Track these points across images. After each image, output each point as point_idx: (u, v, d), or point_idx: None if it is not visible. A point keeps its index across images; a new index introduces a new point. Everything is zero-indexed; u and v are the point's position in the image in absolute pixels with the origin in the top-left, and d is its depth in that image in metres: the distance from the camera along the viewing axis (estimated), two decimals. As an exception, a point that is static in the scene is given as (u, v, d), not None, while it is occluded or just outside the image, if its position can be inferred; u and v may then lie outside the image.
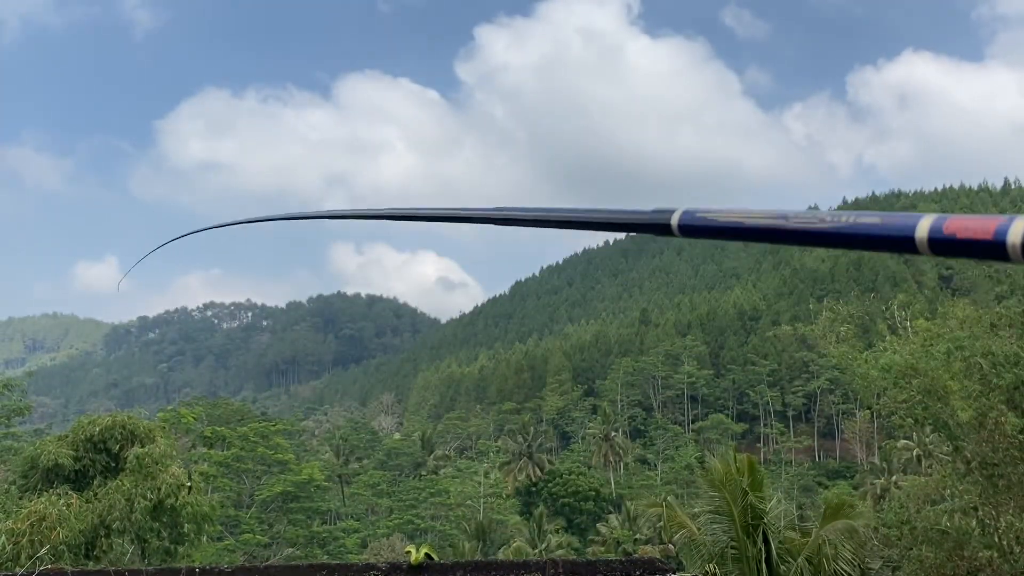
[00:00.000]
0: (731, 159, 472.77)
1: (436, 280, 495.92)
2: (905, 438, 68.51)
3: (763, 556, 21.39)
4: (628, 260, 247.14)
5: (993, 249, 0.66)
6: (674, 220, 0.85)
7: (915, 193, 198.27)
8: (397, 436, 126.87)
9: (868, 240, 0.76)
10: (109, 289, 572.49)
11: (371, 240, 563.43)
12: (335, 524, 63.24)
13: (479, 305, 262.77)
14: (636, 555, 53.61)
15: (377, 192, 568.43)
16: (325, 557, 46.04)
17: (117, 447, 27.11)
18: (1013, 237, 0.63)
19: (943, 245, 0.72)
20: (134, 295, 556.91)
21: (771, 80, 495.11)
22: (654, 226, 0.90)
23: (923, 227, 0.71)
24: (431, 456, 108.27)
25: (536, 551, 58.69)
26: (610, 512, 78.79)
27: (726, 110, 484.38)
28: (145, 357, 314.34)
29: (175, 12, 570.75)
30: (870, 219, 0.71)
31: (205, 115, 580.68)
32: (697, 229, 0.85)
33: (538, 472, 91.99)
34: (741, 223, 0.86)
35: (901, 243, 0.72)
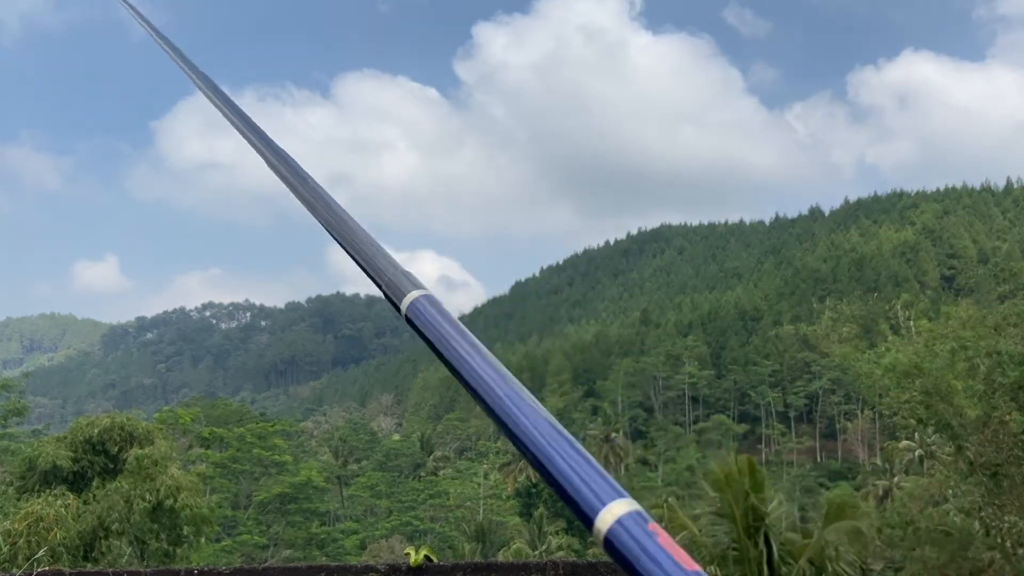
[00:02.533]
0: (735, 157, 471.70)
1: (437, 279, 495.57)
2: (907, 439, 68.36)
3: (765, 558, 21.25)
4: (629, 260, 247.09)
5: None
6: (405, 304, 0.70)
7: (917, 193, 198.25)
8: (396, 437, 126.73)
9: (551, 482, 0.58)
10: (108, 289, 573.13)
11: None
12: (334, 525, 63.08)
13: (479, 306, 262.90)
14: (637, 556, 53.13)
15: (380, 191, 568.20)
16: (324, 558, 45.88)
17: (116, 449, 27.01)
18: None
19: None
20: (132, 295, 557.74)
21: (775, 78, 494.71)
22: (389, 298, 0.78)
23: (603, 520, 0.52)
24: (430, 457, 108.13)
25: (536, 552, 58.55)
26: (610, 513, 78.63)
27: (730, 108, 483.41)
28: (143, 358, 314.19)
29: (173, 13, 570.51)
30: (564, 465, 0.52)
31: (203, 114, 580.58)
32: (418, 324, 0.71)
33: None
34: (454, 349, 0.71)
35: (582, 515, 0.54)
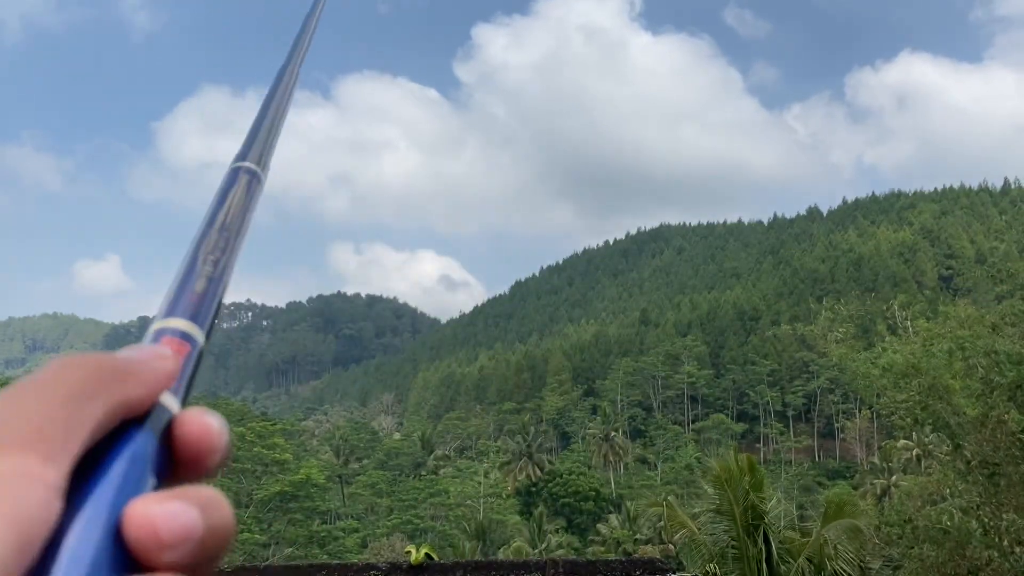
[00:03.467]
0: (735, 157, 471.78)
1: (438, 279, 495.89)
2: (905, 438, 68.58)
3: (764, 556, 21.43)
4: (628, 260, 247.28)
5: None
6: (235, 164, 0.73)
7: (915, 193, 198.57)
8: (397, 436, 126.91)
9: None
10: (110, 289, 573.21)
11: (370, 240, 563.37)
12: (335, 524, 63.25)
13: (479, 305, 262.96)
14: (636, 555, 53.79)
15: (380, 191, 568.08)
16: (325, 557, 46.05)
17: (118, 447, 27.19)
18: None
19: None
20: (134, 295, 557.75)
21: (775, 78, 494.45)
22: (239, 152, 0.77)
23: None
24: (431, 456, 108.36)
25: (536, 551, 58.73)
26: (610, 512, 78.85)
27: (730, 108, 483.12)
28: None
29: (174, 14, 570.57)
30: None
31: (204, 115, 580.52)
32: (225, 186, 0.72)
33: (538, 472, 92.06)
34: None
35: None
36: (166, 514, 0.46)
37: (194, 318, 0.57)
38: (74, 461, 0.46)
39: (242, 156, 0.72)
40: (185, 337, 0.56)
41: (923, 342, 21.49)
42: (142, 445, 0.49)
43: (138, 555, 0.46)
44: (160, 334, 0.56)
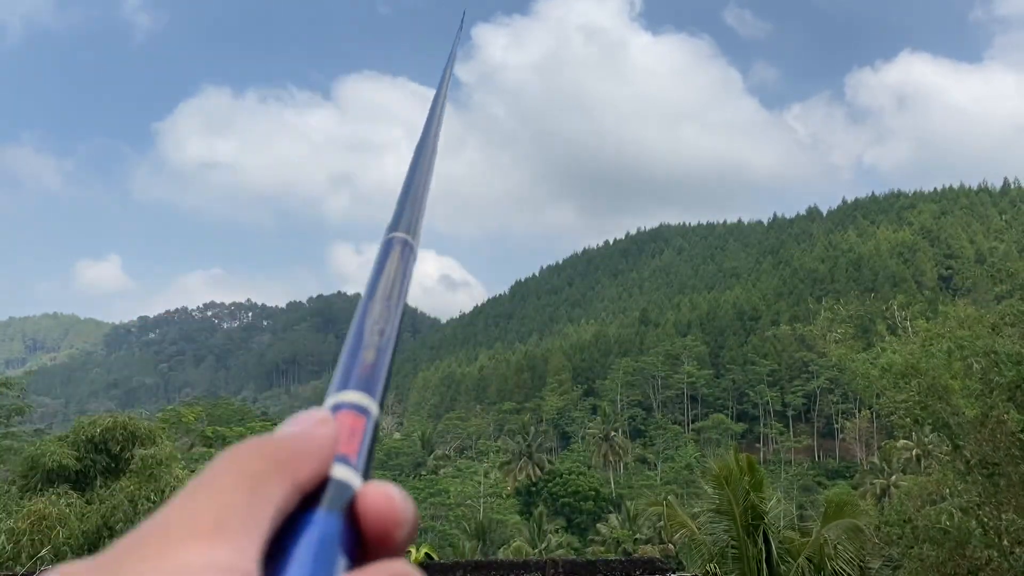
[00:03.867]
0: (734, 157, 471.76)
1: (438, 279, 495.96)
2: (905, 438, 68.59)
3: (764, 556, 21.45)
4: (628, 260, 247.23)
5: None
6: (389, 235, 0.77)
7: (915, 193, 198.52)
8: (397, 436, 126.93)
9: None
10: (110, 289, 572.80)
11: (370, 240, 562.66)
12: (335, 524, 63.18)
13: (479, 305, 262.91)
14: (636, 555, 53.80)
15: (381, 190, 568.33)
16: (325, 557, 46.04)
17: (118, 448, 27.14)
18: None
19: None
20: (134, 295, 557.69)
21: (775, 78, 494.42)
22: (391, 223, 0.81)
23: None
24: (431, 456, 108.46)
25: (536, 551, 58.74)
26: (610, 512, 78.88)
27: (730, 108, 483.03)
28: (145, 357, 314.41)
29: (174, 15, 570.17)
30: None
31: (205, 116, 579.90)
32: (381, 256, 0.77)
33: (538, 472, 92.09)
34: None
35: None
36: None
37: (367, 389, 0.59)
38: (262, 549, 0.45)
39: (393, 227, 0.75)
40: (360, 410, 0.58)
41: (922, 342, 21.48)
42: (328, 526, 0.50)
43: None
44: (336, 408, 0.57)
